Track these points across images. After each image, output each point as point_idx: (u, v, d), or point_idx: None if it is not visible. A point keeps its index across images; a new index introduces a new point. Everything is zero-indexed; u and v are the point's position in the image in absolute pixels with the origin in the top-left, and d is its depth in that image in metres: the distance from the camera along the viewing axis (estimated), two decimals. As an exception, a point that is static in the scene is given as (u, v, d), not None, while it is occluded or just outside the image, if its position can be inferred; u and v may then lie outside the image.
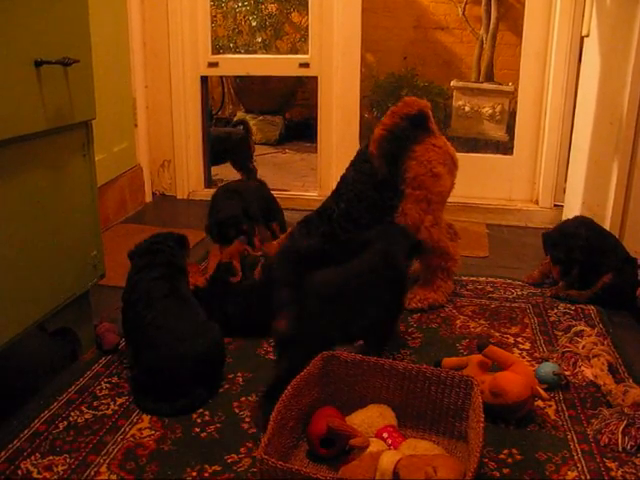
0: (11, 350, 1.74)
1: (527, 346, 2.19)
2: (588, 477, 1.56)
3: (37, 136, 1.73)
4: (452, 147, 2.50)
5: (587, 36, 3.03)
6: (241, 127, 4.26)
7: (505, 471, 1.59)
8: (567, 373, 1.97)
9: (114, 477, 1.56)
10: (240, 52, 5.89)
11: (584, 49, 3.15)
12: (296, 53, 5.73)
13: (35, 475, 1.56)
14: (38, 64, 1.67)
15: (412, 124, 2.40)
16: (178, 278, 2.02)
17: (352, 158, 2.58)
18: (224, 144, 4.16)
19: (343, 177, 2.57)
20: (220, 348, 1.97)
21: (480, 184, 3.72)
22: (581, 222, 2.61)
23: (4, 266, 1.56)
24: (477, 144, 5.03)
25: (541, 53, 3.50)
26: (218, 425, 1.76)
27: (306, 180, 4.57)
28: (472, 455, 1.42)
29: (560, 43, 3.38)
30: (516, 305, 2.51)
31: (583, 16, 3.08)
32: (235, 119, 5.16)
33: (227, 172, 4.40)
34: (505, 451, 1.66)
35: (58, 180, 1.85)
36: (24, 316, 1.74)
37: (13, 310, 1.69)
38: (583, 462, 1.61)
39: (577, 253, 2.49)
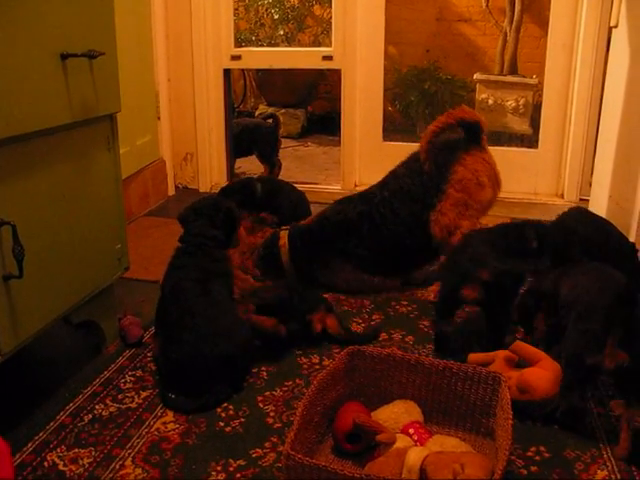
0: (36, 342, 1.74)
1: (554, 342, 2.16)
2: (619, 477, 1.53)
3: (62, 129, 1.73)
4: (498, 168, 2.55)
5: (616, 27, 2.98)
6: (271, 120, 4.27)
7: (533, 469, 1.57)
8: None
9: (139, 470, 1.56)
10: (262, 45, 5.87)
11: (612, 40, 3.09)
12: (318, 46, 5.71)
13: (61, 467, 1.57)
14: (64, 57, 1.66)
15: (465, 130, 2.46)
16: (214, 280, 1.98)
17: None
18: (252, 135, 4.15)
19: (392, 171, 2.62)
20: (245, 350, 1.93)
21: (504, 178, 3.60)
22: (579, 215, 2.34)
23: (30, 259, 1.56)
24: (501, 137, 4.98)
25: (568, 44, 3.45)
26: (242, 419, 1.75)
27: (329, 173, 4.55)
28: (501, 453, 1.40)
29: (587, 34, 3.33)
30: (542, 300, 2.47)
31: (612, 6, 3.03)
32: (258, 112, 5.15)
33: (250, 166, 4.40)
34: (532, 448, 1.63)
35: (83, 173, 1.85)
36: (50, 309, 1.75)
37: (39, 303, 1.69)
38: (613, 461, 1.58)
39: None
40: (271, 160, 4.20)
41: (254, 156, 4.27)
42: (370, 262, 2.52)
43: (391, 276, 2.57)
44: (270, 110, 5.52)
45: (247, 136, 4.15)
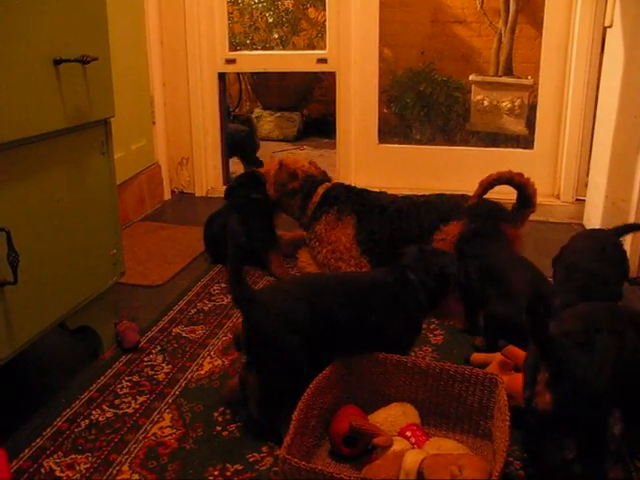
0: (32, 348, 1.74)
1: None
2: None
3: (56, 135, 1.72)
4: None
5: (610, 27, 2.98)
6: (246, 124, 4.47)
7: (530, 470, 1.56)
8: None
9: (136, 476, 1.55)
10: (257, 48, 5.87)
11: (607, 40, 3.10)
12: (313, 49, 5.71)
13: (58, 473, 1.56)
14: (57, 62, 1.66)
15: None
16: None
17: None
18: (230, 140, 4.20)
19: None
20: None
21: (500, 179, 3.67)
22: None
23: (25, 265, 1.56)
24: (496, 138, 4.98)
25: (562, 45, 3.45)
26: (239, 424, 1.74)
27: (324, 176, 4.54)
28: (498, 454, 1.40)
29: (582, 34, 3.33)
30: (539, 301, 2.47)
31: (606, 6, 3.03)
32: (254, 115, 5.23)
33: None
34: (530, 450, 1.63)
35: (78, 179, 1.85)
36: (46, 315, 1.74)
37: (35, 309, 1.69)
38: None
39: None
40: (253, 161, 4.38)
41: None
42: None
43: None
44: (265, 113, 5.58)
45: (227, 141, 4.22)
